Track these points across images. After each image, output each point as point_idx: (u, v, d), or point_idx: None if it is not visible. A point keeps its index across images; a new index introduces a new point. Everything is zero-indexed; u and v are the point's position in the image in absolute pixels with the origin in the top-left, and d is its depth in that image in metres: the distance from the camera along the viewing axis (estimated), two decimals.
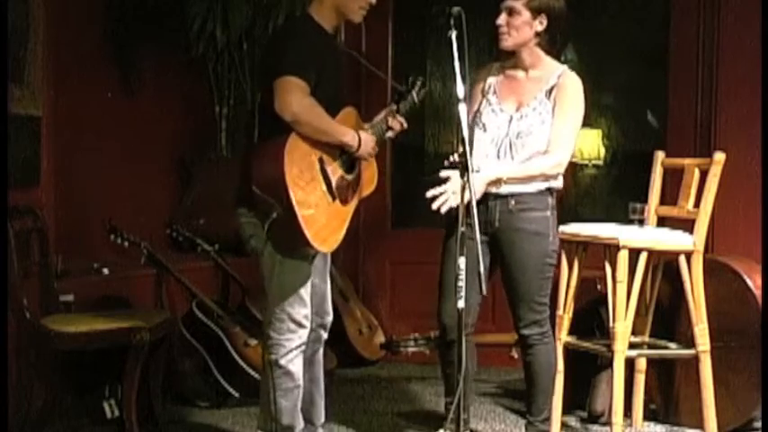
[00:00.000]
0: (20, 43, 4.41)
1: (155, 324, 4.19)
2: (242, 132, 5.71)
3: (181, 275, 4.88)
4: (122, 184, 5.28)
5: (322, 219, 3.61)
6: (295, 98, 3.51)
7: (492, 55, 5.91)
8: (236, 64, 5.64)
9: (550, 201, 3.90)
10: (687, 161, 4.50)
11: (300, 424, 3.86)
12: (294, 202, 3.48)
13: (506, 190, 3.84)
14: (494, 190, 3.83)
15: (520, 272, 3.89)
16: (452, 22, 3.42)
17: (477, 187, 3.69)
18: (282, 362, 3.73)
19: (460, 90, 3.39)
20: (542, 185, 3.87)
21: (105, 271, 4.83)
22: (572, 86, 3.88)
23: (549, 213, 3.88)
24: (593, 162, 5.87)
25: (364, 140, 3.72)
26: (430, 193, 3.68)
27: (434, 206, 3.69)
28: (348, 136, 3.68)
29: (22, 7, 4.41)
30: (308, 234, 3.52)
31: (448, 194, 3.68)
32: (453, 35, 3.41)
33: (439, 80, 6.11)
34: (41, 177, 4.63)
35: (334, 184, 3.68)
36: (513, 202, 3.85)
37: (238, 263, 5.20)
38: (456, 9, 3.43)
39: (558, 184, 3.93)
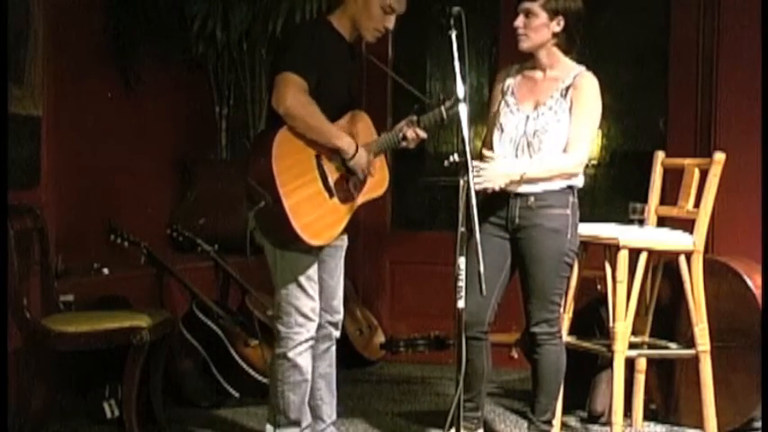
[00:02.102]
0: (20, 43, 4.40)
1: (155, 324, 4.19)
2: (243, 132, 5.73)
3: (181, 275, 4.89)
4: (122, 185, 5.28)
5: (314, 212, 3.62)
6: (290, 93, 3.55)
7: (492, 55, 5.97)
8: (236, 64, 5.64)
9: (571, 199, 3.91)
10: (687, 161, 4.50)
11: (308, 419, 3.87)
12: (281, 193, 3.51)
13: (526, 188, 3.87)
14: (514, 188, 3.86)
15: (535, 267, 3.90)
16: (452, 22, 3.42)
17: (499, 180, 3.79)
18: (291, 354, 3.75)
19: (460, 90, 3.40)
20: (563, 183, 3.88)
21: (105, 271, 4.83)
22: (588, 86, 3.89)
23: (568, 211, 3.89)
24: (593, 162, 5.87)
25: (360, 154, 3.72)
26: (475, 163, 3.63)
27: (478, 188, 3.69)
28: (342, 141, 3.69)
29: (22, 7, 4.41)
30: (296, 225, 3.54)
31: (487, 176, 3.75)
32: (453, 35, 3.42)
33: (439, 80, 6.11)
34: (41, 177, 4.63)
35: (332, 181, 3.69)
36: (532, 199, 3.87)
37: (238, 263, 5.20)
38: (456, 9, 3.43)
39: (579, 182, 3.94)
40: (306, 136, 3.61)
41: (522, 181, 3.83)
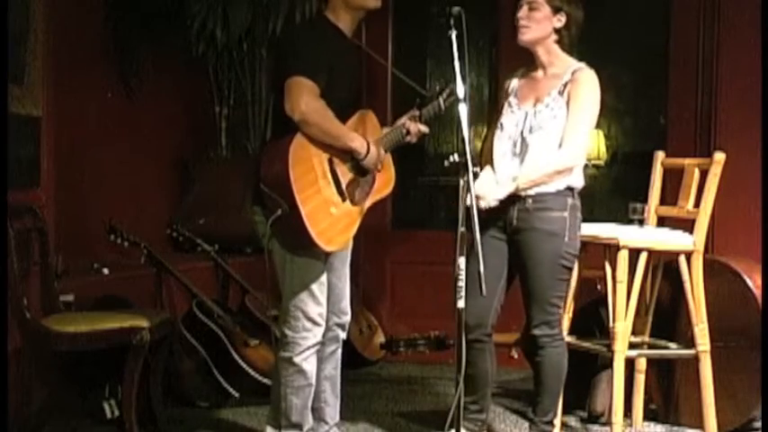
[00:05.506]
0: (20, 43, 4.40)
1: (155, 324, 4.19)
2: (243, 132, 5.73)
3: (181, 275, 4.89)
4: (122, 184, 5.28)
5: (329, 218, 3.62)
6: (304, 99, 3.54)
7: (492, 55, 5.97)
8: (236, 64, 5.64)
9: (569, 200, 3.89)
10: (687, 161, 4.50)
11: (309, 422, 3.87)
12: (298, 200, 3.50)
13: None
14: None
15: (532, 270, 3.90)
16: (452, 22, 3.42)
17: (500, 196, 3.80)
18: (297, 360, 3.74)
19: (461, 90, 3.40)
20: (561, 185, 3.87)
21: (105, 271, 4.83)
22: (586, 82, 3.88)
23: (566, 214, 3.88)
24: (594, 162, 5.86)
25: (372, 152, 3.73)
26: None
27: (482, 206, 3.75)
28: (356, 142, 3.69)
29: (22, 7, 4.41)
30: (312, 232, 3.54)
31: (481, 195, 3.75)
32: (453, 35, 3.42)
33: (439, 80, 6.11)
34: (41, 177, 4.63)
35: (344, 184, 3.69)
36: (530, 201, 3.87)
37: (238, 263, 5.20)
38: (456, 9, 3.43)
39: (578, 182, 3.93)
40: (320, 140, 3.60)
41: (519, 190, 3.83)
